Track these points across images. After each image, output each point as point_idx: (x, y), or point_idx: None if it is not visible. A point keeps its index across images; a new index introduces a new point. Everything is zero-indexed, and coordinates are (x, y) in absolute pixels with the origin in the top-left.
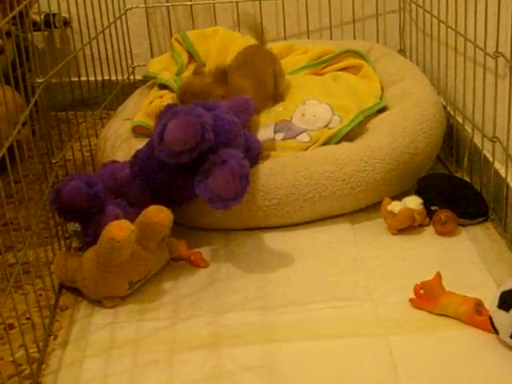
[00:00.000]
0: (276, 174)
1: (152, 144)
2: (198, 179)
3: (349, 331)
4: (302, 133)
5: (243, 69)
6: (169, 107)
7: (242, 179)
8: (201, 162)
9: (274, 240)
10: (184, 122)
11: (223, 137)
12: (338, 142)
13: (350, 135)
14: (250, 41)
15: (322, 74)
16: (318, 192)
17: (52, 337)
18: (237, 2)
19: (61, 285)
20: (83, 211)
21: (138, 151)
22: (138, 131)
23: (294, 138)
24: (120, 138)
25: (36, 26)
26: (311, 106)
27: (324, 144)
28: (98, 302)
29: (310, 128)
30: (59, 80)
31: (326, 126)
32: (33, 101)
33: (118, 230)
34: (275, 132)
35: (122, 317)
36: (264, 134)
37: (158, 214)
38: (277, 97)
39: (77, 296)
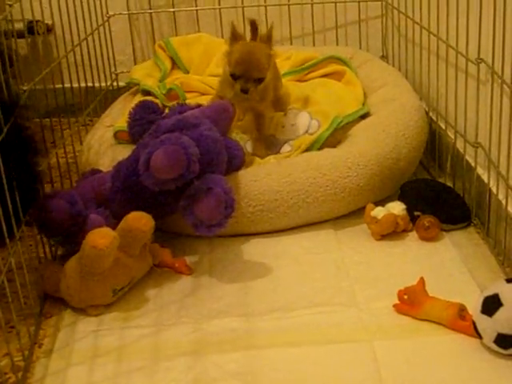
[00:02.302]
0: (260, 180)
1: (135, 158)
2: (184, 204)
3: (333, 337)
4: (284, 144)
5: None
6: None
7: (228, 207)
8: (186, 185)
9: (258, 246)
10: (171, 152)
11: (207, 156)
12: (321, 148)
13: (333, 141)
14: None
15: (305, 81)
16: (301, 198)
17: (37, 345)
18: (220, 9)
19: (45, 293)
20: (65, 229)
21: (121, 165)
22: (119, 137)
23: (278, 152)
24: (104, 145)
25: (19, 33)
26: (290, 115)
27: (306, 150)
28: (82, 310)
29: (291, 137)
30: (43, 87)
31: (306, 131)
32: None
33: (100, 237)
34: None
35: (106, 324)
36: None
37: (140, 220)
38: (278, 102)
39: (61, 304)
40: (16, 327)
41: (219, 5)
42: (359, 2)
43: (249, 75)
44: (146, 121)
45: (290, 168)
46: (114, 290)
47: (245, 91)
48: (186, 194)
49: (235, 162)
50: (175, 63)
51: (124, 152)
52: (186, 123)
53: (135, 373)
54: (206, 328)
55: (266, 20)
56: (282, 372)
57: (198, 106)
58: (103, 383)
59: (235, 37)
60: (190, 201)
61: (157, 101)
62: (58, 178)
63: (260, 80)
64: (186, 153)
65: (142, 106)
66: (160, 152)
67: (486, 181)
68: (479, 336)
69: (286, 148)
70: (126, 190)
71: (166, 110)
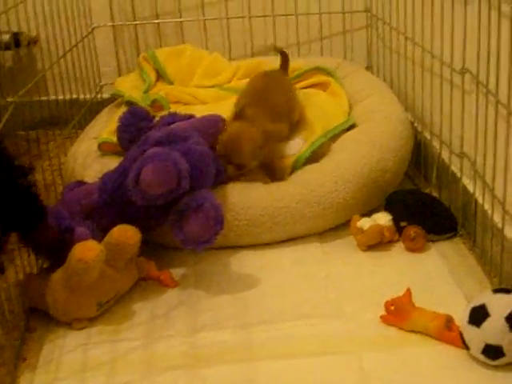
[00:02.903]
0: (247, 194)
1: (122, 170)
2: (172, 219)
3: (320, 349)
4: None
5: (252, 98)
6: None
7: (217, 224)
8: (175, 199)
9: (244, 258)
10: (160, 168)
11: (195, 170)
12: (305, 164)
13: (319, 154)
14: (218, 57)
15: None
16: (288, 214)
17: (21, 360)
18: (204, 20)
19: (30, 307)
20: (54, 245)
21: (107, 176)
22: (104, 148)
23: None
24: (90, 157)
25: (6, 45)
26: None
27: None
28: (66, 324)
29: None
30: (29, 99)
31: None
32: (3, 120)
33: (87, 250)
34: None
35: (93, 338)
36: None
37: (125, 233)
38: (295, 126)
39: (47, 317)
40: (0, 341)
41: (204, 16)
42: (344, 13)
43: (229, 159)
44: (135, 128)
45: (276, 184)
46: (99, 304)
47: (225, 171)
48: (174, 209)
49: (222, 175)
50: (160, 75)
51: (110, 164)
52: (175, 136)
53: None
54: (195, 341)
55: (251, 31)
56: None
57: (190, 116)
58: None
59: (239, 116)
60: (179, 217)
61: (148, 108)
62: (43, 191)
63: (240, 166)
64: (176, 168)
65: (132, 112)
66: (149, 168)
67: (471, 191)
68: (466, 347)
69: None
70: (114, 203)
71: (157, 118)
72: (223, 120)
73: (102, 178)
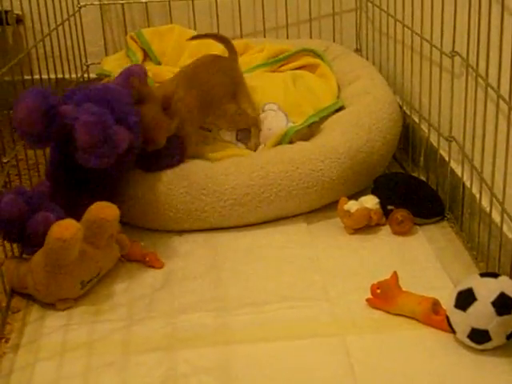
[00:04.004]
0: (231, 174)
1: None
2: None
3: (305, 332)
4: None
5: (190, 78)
6: None
7: (97, 124)
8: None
9: (229, 240)
10: (24, 101)
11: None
12: (292, 143)
13: (307, 135)
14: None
15: (279, 73)
16: (273, 192)
17: (3, 340)
18: (192, 1)
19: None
20: (20, 222)
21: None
22: None
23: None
24: None
25: None
26: (268, 116)
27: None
28: (50, 305)
29: (266, 141)
30: (11, 78)
31: None
32: None
33: (64, 229)
34: (238, 139)
35: (75, 319)
36: (227, 137)
37: (104, 210)
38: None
39: (29, 298)
40: None
41: None
42: None
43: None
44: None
45: (261, 161)
46: (82, 283)
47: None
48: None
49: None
50: (147, 55)
51: None
52: (96, 94)
53: (105, 368)
54: (177, 323)
55: (240, 12)
56: (254, 367)
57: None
58: (72, 379)
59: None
60: (70, 130)
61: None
62: (26, 171)
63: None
64: (39, 95)
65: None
66: (20, 104)
67: (459, 175)
68: (453, 331)
69: (260, 148)
70: (57, 177)
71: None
72: (142, 67)
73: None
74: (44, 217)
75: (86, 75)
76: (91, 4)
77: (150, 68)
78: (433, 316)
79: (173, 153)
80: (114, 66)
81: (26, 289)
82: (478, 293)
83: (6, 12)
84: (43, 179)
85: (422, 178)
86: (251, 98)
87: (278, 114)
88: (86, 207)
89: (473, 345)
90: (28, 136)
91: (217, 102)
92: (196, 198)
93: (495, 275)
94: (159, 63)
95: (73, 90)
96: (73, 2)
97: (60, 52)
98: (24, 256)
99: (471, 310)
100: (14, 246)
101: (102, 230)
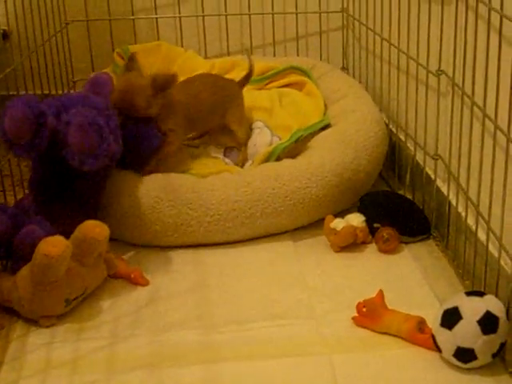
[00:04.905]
0: (218, 189)
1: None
2: (60, 142)
3: (291, 350)
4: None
5: (183, 85)
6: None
7: (92, 125)
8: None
9: (215, 257)
10: (15, 114)
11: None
12: (279, 159)
13: (293, 152)
14: (193, 55)
15: (266, 90)
16: (259, 208)
17: None
18: (180, 18)
19: None
20: (8, 239)
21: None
22: None
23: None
24: None
25: None
26: (253, 135)
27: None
28: (34, 322)
29: (253, 157)
30: None
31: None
32: None
33: (52, 246)
34: (225, 155)
35: (59, 336)
36: (214, 153)
37: (94, 229)
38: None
39: (12, 315)
40: None
41: (179, 13)
42: (320, 13)
43: (126, 112)
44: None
45: (248, 177)
46: (66, 300)
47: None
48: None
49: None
50: None
51: None
52: (68, 102)
53: None
54: (162, 340)
55: (227, 29)
56: None
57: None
58: None
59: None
60: (63, 137)
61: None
62: (11, 187)
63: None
64: (27, 104)
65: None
66: (7, 118)
67: (445, 193)
68: (438, 349)
69: (248, 164)
70: (39, 188)
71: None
72: (109, 77)
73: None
74: (30, 230)
75: (72, 91)
76: (78, 20)
77: None
78: (418, 335)
79: (150, 136)
80: None
81: (9, 303)
82: (463, 311)
83: None
84: (26, 194)
85: (408, 196)
86: (244, 120)
87: (263, 130)
88: (70, 218)
89: (459, 364)
90: (16, 146)
91: (202, 119)
92: (182, 212)
93: (481, 294)
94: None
95: (47, 100)
96: (60, 18)
97: (46, 68)
98: (8, 270)
99: (457, 328)
100: None
101: (92, 248)
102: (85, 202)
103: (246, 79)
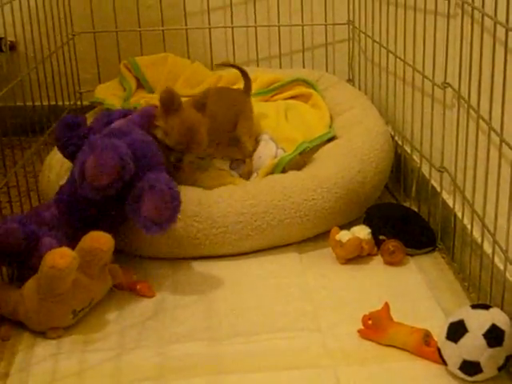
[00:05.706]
0: (224, 201)
1: (73, 178)
2: (130, 207)
3: (297, 362)
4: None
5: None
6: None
7: (173, 200)
8: (127, 189)
9: (221, 269)
10: (102, 156)
11: (143, 161)
12: (286, 171)
13: (299, 164)
14: (200, 67)
15: (272, 102)
16: (265, 221)
17: None
18: (186, 30)
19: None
20: (20, 252)
21: (62, 186)
22: None
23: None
24: (65, 166)
25: None
26: (259, 145)
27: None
28: (40, 333)
29: (258, 169)
30: (4, 104)
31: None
32: None
33: (59, 257)
34: (231, 168)
35: (65, 348)
36: (221, 165)
37: (99, 240)
38: (240, 147)
39: (19, 327)
40: None
41: (186, 25)
42: (326, 25)
43: (188, 149)
44: (75, 138)
45: (254, 190)
46: (73, 312)
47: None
48: (130, 197)
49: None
50: (140, 83)
51: None
52: (118, 133)
53: None
54: (168, 352)
55: (233, 41)
56: None
57: (125, 112)
58: None
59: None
60: (136, 202)
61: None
62: (17, 198)
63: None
64: (117, 153)
65: (63, 125)
66: (91, 159)
67: (451, 205)
68: (444, 362)
69: (253, 176)
70: (73, 210)
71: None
72: (155, 110)
73: (57, 192)
74: (49, 243)
75: (78, 102)
76: (85, 32)
77: (144, 96)
78: (424, 347)
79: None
80: (107, 93)
81: (16, 315)
82: (469, 325)
83: (0, 39)
84: (41, 205)
85: (414, 208)
86: (253, 131)
87: (268, 142)
88: None
89: (464, 377)
90: (89, 187)
91: (219, 135)
92: (188, 224)
93: (486, 307)
94: (152, 92)
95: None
96: (67, 30)
97: (53, 79)
98: (15, 282)
99: (462, 341)
100: (4, 271)
101: (97, 259)
102: (117, 225)
103: (248, 88)
